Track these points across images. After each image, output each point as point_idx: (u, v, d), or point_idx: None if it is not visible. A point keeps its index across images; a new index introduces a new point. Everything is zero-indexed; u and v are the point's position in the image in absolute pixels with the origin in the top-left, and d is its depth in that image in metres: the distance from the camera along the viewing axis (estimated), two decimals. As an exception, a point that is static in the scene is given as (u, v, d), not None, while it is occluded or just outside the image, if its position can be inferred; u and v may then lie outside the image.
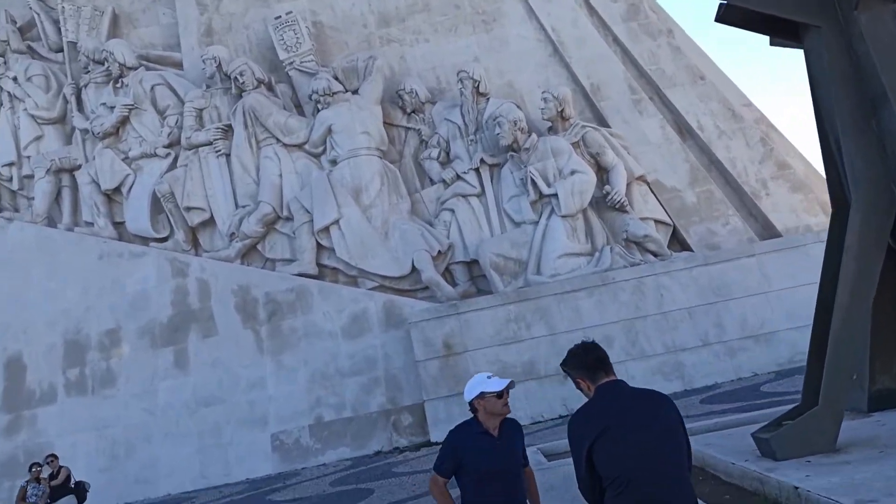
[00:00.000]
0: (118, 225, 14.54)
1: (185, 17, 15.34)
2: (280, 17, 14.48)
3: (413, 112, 14.10)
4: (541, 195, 12.48)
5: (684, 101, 13.45)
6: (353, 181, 13.27)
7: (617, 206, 12.51)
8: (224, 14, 15.32)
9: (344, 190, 13.20)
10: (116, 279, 13.74)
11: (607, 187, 12.57)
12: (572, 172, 12.37)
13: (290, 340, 12.74)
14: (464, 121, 13.55)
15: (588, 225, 12.50)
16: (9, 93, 15.24)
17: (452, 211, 13.26)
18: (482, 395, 3.37)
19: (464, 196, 13.28)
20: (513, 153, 12.88)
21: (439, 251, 12.90)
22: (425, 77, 14.40)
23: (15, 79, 15.23)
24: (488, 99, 13.55)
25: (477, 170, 13.27)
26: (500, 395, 3.36)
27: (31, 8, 15.79)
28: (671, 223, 12.85)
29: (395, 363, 12.22)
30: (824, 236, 11.51)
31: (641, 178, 13.01)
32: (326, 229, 13.10)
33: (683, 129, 13.45)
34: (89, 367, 13.30)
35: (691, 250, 12.61)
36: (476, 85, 13.43)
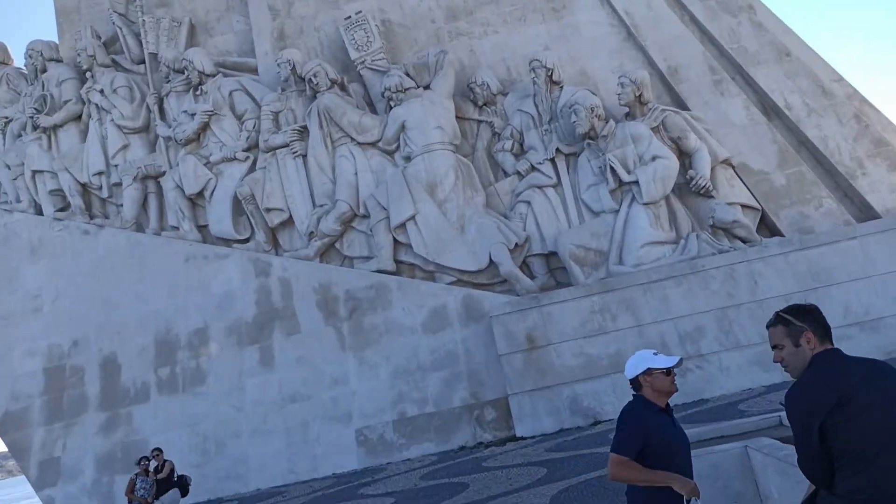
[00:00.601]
0: (202, 228, 14.81)
1: (259, 23, 15.49)
2: (350, 17, 14.44)
3: (485, 105, 13.81)
4: (621, 183, 12.00)
5: (769, 80, 12.69)
6: (428, 176, 13.09)
7: (702, 192, 11.90)
8: (295, 18, 15.40)
9: (419, 185, 13.04)
10: (203, 280, 14.00)
11: (691, 172, 11.97)
12: (653, 158, 11.84)
13: (372, 336, 12.67)
14: (537, 111, 13.17)
15: (672, 212, 11.94)
16: (96, 105, 15.71)
17: (528, 203, 12.91)
18: (649, 371, 3.24)
19: (539, 187, 12.91)
20: (590, 141, 12.44)
21: (516, 244, 12.59)
22: (496, 69, 14.09)
23: (102, 91, 15.69)
24: (562, 87, 13.14)
25: (552, 160, 12.88)
26: (668, 372, 3.24)
27: (114, 23, 16.25)
28: (759, 208, 12.14)
29: (476, 357, 11.98)
30: (934, 215, 10.73)
31: (726, 162, 12.35)
32: (403, 225, 12.98)
33: (769, 109, 12.69)
34: (179, 365, 13.60)
35: (782, 235, 11.87)
36: (549, 74, 13.03)
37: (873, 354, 9.87)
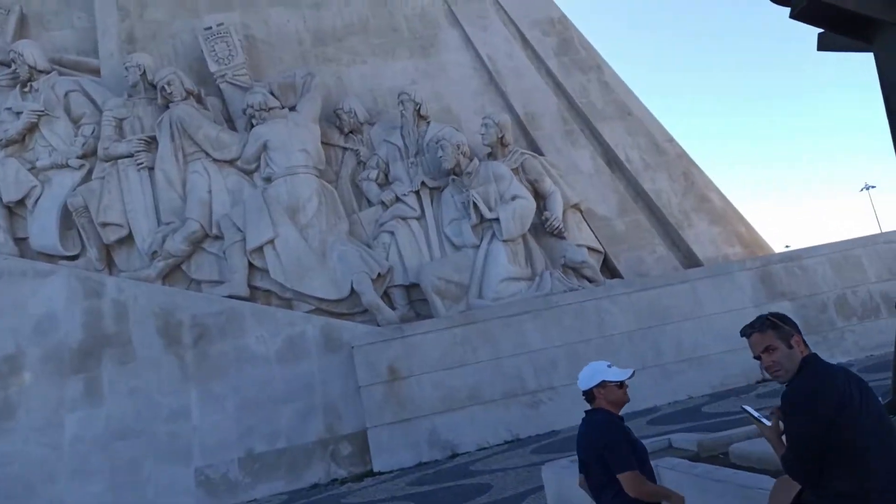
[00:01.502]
0: (21, 241, 12.79)
1: (105, 21, 13.97)
2: (211, 27, 13.48)
3: (351, 132, 13.47)
4: (482, 219, 12.17)
5: (613, 134, 13.66)
6: (290, 199, 12.40)
7: (555, 232, 12.41)
8: (148, 21, 14.10)
9: (280, 208, 12.30)
10: (18, 300, 12.00)
11: (546, 213, 12.45)
12: (514, 198, 12.16)
13: (219, 366, 11.56)
14: (404, 143, 13.07)
15: (528, 250, 12.30)
16: None
17: (392, 233, 12.67)
18: (604, 383, 3.30)
19: (403, 218, 12.75)
20: (454, 177, 12.52)
21: (379, 274, 12.25)
22: (363, 98, 13.83)
23: None
24: (429, 122, 13.17)
25: (417, 192, 12.80)
26: (621, 384, 3.31)
27: (-76, 3, 13.82)
28: (602, 251, 12.90)
29: (333, 389, 11.35)
30: (748, 265, 12.04)
31: (576, 207, 13.01)
32: (260, 249, 12.13)
33: (612, 161, 13.63)
34: (-18, 397, 11.46)
35: (621, 277, 12.69)
36: (417, 108, 13.02)
37: (702, 388, 10.76)
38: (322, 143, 13.12)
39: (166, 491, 10.83)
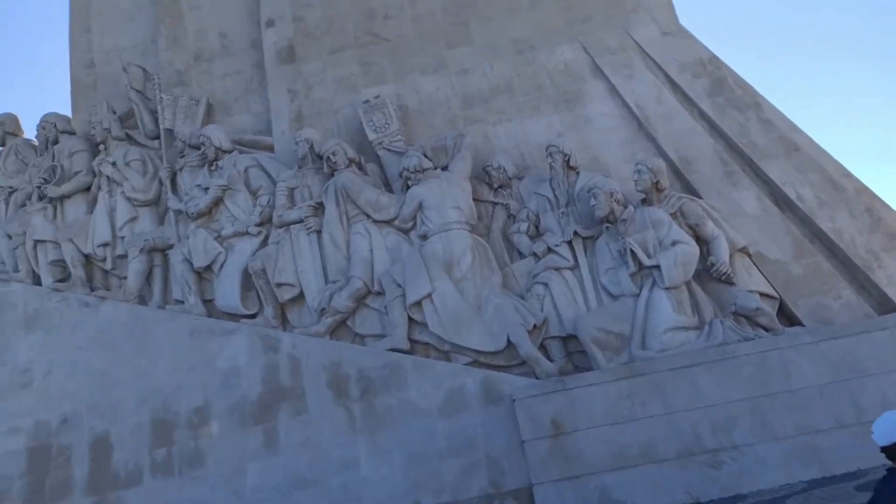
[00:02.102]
0: (208, 302, 14.06)
1: (278, 104, 15.39)
2: (368, 101, 14.41)
3: (500, 187, 13.63)
4: (641, 267, 11.68)
5: (780, 173, 12.74)
6: (445, 255, 12.68)
7: (723, 278, 11.63)
8: (314, 100, 15.33)
9: (436, 264, 12.59)
10: (207, 356, 13.12)
11: (711, 258, 11.73)
12: (674, 243, 11.59)
13: (385, 419, 11.80)
14: (554, 194, 13.01)
15: (693, 298, 11.58)
16: (108, 177, 15.23)
17: (545, 284, 12.48)
18: None
19: (557, 269, 12.54)
20: (608, 225, 12.21)
21: (534, 325, 12.06)
22: (510, 154, 14.01)
23: (114, 163, 15.25)
24: (578, 173, 13.06)
25: (569, 242, 12.59)
26: None
27: (130, 99, 16.02)
28: (778, 297, 11.85)
29: (496, 443, 11.15)
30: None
31: (743, 251, 12.15)
32: (419, 303, 12.42)
33: (781, 201, 12.66)
34: (177, 446, 12.48)
35: (801, 325, 11.54)
36: (566, 159, 12.97)
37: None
38: (473, 199, 13.38)
39: (338, 542, 11.03)
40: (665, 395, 10.30)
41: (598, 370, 11.00)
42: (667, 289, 11.36)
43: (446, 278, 12.49)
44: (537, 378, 11.59)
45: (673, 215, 12.06)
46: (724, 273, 11.58)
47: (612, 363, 11.25)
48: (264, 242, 14.03)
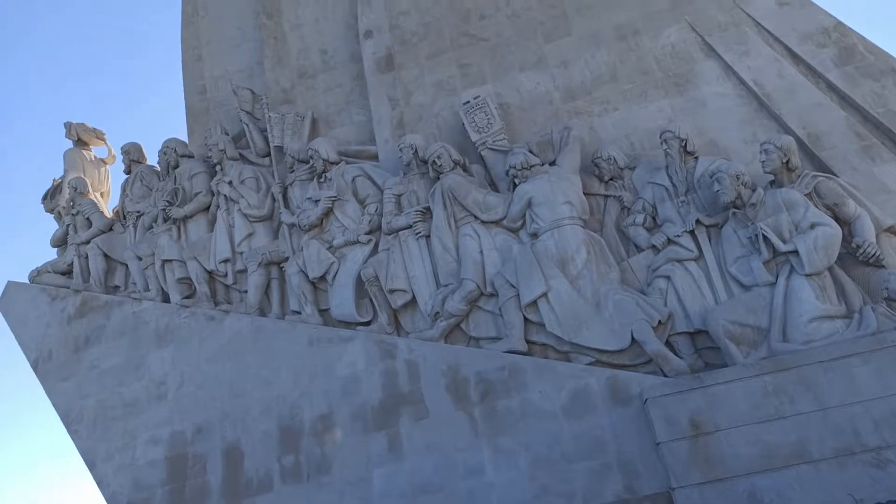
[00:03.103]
0: (323, 312, 14.35)
1: (379, 113, 15.57)
2: (469, 101, 14.27)
3: (611, 179, 13.10)
4: (775, 253, 10.82)
5: (927, 141, 11.49)
6: (559, 252, 12.29)
7: (871, 261, 10.58)
8: (414, 106, 15.39)
9: (550, 261, 12.23)
10: (327, 364, 13.35)
11: (856, 240, 10.70)
12: (812, 226, 10.66)
13: (507, 422, 11.54)
14: (672, 182, 12.34)
15: (838, 284, 10.59)
16: (225, 196, 15.91)
17: (667, 278, 11.83)
18: None
19: (679, 261, 11.85)
20: (735, 210, 11.41)
21: (659, 321, 11.43)
22: (618, 145, 13.45)
23: (230, 183, 15.92)
24: (697, 158, 12.33)
25: (692, 232, 11.87)
26: None
27: (241, 120, 16.71)
28: (936, 278, 10.63)
29: (627, 446, 10.62)
30: None
31: (890, 230, 11.04)
32: (534, 303, 12.09)
33: (932, 173, 11.42)
34: (304, 453, 12.75)
35: (968, 308, 10.29)
36: (683, 144, 12.28)
37: None
38: (584, 193, 12.93)
39: (468, 548, 10.84)
40: (817, 391, 9.43)
41: (737, 366, 10.25)
42: (807, 275, 10.44)
43: (561, 276, 12.10)
44: (665, 376, 10.97)
45: (808, 196, 11.12)
46: (873, 255, 10.54)
47: (749, 358, 10.45)
48: (375, 250, 14.18)
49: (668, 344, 11.46)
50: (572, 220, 12.47)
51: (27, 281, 17.65)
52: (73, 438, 14.81)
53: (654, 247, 12.16)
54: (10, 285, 17.54)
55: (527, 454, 11.15)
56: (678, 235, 11.89)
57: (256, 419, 13.40)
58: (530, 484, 10.94)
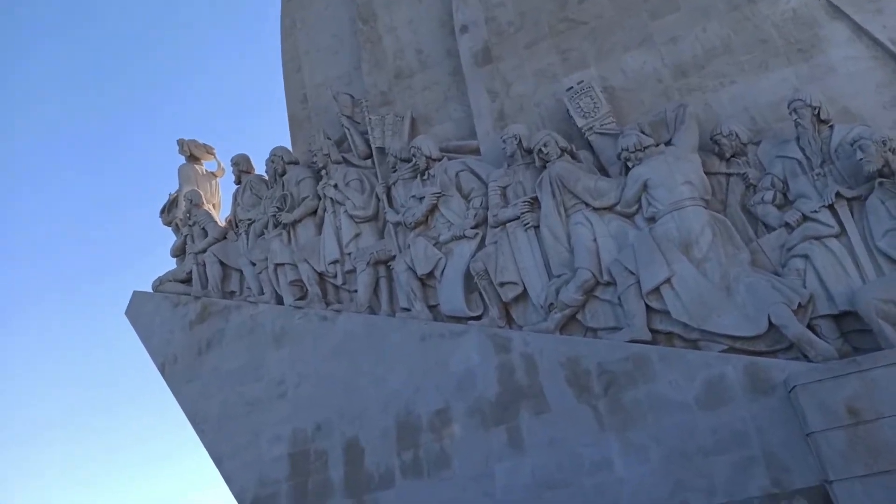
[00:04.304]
0: (432, 308, 14.29)
1: (478, 106, 15.42)
2: (572, 87, 13.86)
3: (733, 156, 12.32)
4: (934, 223, 9.77)
5: None
6: (681, 235, 11.63)
7: None
8: (514, 97, 15.14)
9: (671, 245, 11.60)
10: (440, 359, 13.26)
11: None
12: (977, 190, 9.55)
13: (635, 415, 10.99)
14: (804, 154, 11.43)
15: None
16: (331, 199, 16.22)
17: (805, 257, 10.93)
18: None
19: (817, 238, 10.93)
20: (882, 180, 10.41)
21: (798, 304, 10.57)
22: (737, 120, 12.63)
23: (335, 186, 16.23)
24: (832, 126, 11.38)
25: (830, 206, 10.93)
26: None
27: (342, 125, 17.02)
28: None
29: (772, 437, 9.84)
30: None
31: None
32: (657, 290, 11.49)
33: None
34: (423, 448, 12.69)
35: None
36: (815, 112, 11.37)
37: None
38: (704, 172, 12.21)
39: (601, 546, 10.37)
40: None
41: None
42: (973, 245, 9.34)
43: (685, 260, 11.45)
44: (810, 362, 10.10)
45: (971, 159, 9.98)
46: None
47: (908, 339, 9.45)
48: (482, 244, 13.98)
49: (809, 328, 10.58)
50: (693, 200, 11.79)
51: (150, 290, 18.67)
52: (200, 437, 15.46)
53: (787, 225, 11.30)
54: (136, 295, 18.60)
55: (658, 448, 10.56)
56: (815, 211, 10.98)
57: (374, 416, 13.48)
58: (664, 479, 10.34)
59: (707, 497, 9.93)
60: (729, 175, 12.33)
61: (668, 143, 12.50)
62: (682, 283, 11.33)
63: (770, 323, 10.56)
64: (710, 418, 10.34)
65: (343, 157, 16.91)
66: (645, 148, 12.37)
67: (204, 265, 17.78)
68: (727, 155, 12.33)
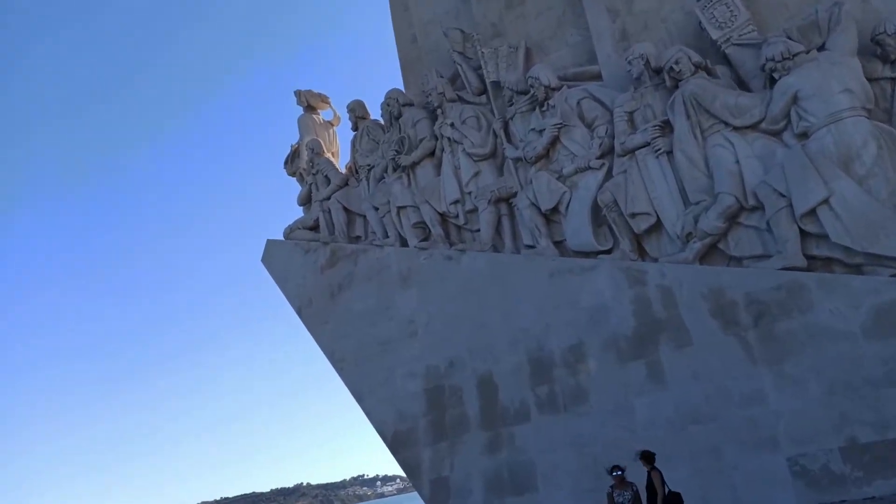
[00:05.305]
0: (558, 244, 13.92)
1: (598, 28, 14.46)
2: (704, -3, 12.59)
3: (900, 58, 10.82)
4: None
5: None
6: (839, 150, 10.49)
7: None
8: (637, 14, 14.04)
9: (828, 162, 10.49)
10: (570, 295, 12.97)
11: None
12: None
13: (789, 346, 10.26)
14: None
15: None
16: (448, 138, 15.98)
17: None
18: None
19: None
20: None
21: None
22: (901, 16, 11.01)
23: (452, 125, 15.94)
24: None
25: None
26: None
27: (454, 61, 16.55)
28: None
29: (956, 368, 8.86)
30: None
31: None
32: (812, 212, 10.50)
33: None
34: (557, 384, 12.60)
35: None
36: None
37: None
38: (865, 78, 10.84)
39: (756, 479, 9.97)
40: None
41: None
42: None
43: (846, 177, 10.33)
44: None
45: None
46: None
47: None
48: (609, 174, 13.33)
49: None
50: (854, 110, 10.54)
51: (282, 238, 19.49)
52: (340, 375, 16.21)
53: (973, 132, 9.86)
54: (270, 243, 19.48)
55: (819, 380, 9.84)
56: None
57: (504, 352, 13.51)
58: (826, 412, 9.66)
59: (879, 431, 9.19)
60: (893, 80, 10.88)
61: (820, 49, 11.16)
62: (843, 202, 10.26)
63: (952, 242, 9.39)
64: (879, 348, 9.47)
65: (458, 94, 16.52)
66: (794, 55, 11.12)
67: (329, 212, 18.25)
68: (892, 57, 10.87)
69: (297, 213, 19.57)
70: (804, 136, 10.96)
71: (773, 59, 11.24)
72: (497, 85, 15.59)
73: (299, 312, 17.70)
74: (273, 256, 19.00)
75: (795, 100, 11.04)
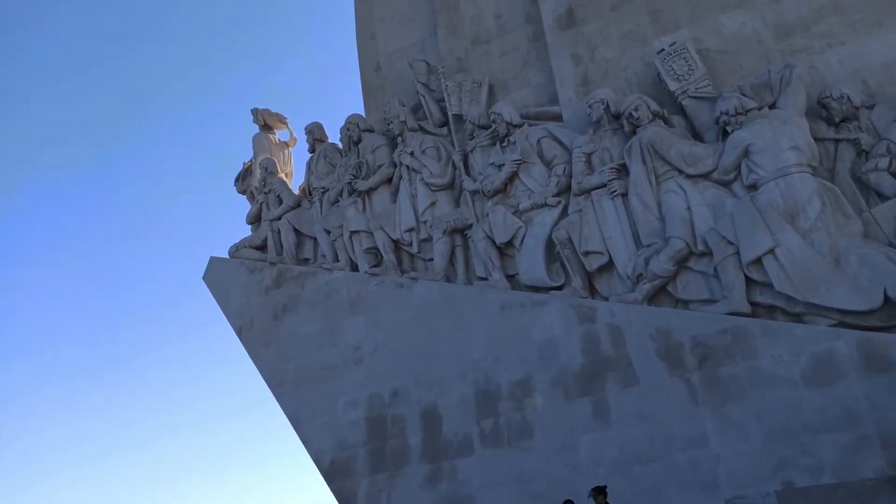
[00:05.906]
0: (510, 278, 13.92)
1: (561, 71, 14.83)
2: (664, 49, 13.14)
3: (843, 121, 11.45)
4: None
5: None
6: (786, 203, 10.92)
7: None
8: (599, 61, 14.48)
9: (775, 214, 10.89)
10: (521, 329, 12.91)
11: None
12: None
13: (732, 390, 10.44)
14: (928, 117, 10.53)
15: None
16: (407, 166, 15.93)
17: (925, 228, 10.10)
18: None
19: (941, 208, 10.08)
20: None
21: (919, 277, 9.77)
22: (848, 83, 11.71)
23: (412, 153, 15.93)
24: (960, 87, 10.43)
25: (957, 174, 10.05)
26: None
27: (417, 92, 16.65)
28: None
29: (888, 417, 9.17)
30: None
31: None
32: (758, 261, 10.83)
33: None
34: (503, 417, 12.42)
35: None
36: (943, 71, 10.43)
37: None
38: (811, 138, 11.41)
39: (695, 523, 9.92)
40: None
41: None
42: None
43: (791, 230, 10.74)
44: (932, 340, 9.35)
45: None
46: None
47: None
48: (564, 213, 13.49)
49: (928, 304, 9.79)
50: (800, 167, 11.04)
51: (227, 256, 18.84)
52: (278, 400, 15.57)
53: (905, 193, 10.44)
54: (213, 261, 18.79)
55: (760, 425, 10.00)
56: (939, 179, 10.11)
57: (451, 383, 13.27)
58: (766, 457, 9.80)
59: (814, 476, 9.36)
60: (838, 141, 11.49)
61: (772, 107, 11.72)
62: (788, 253, 10.64)
63: (886, 297, 9.82)
64: (817, 396, 9.72)
65: (419, 124, 16.57)
66: (747, 111, 11.62)
67: (279, 232, 17.80)
68: (836, 120, 11.48)
69: (242, 229, 19.02)
70: (753, 187, 11.38)
71: (727, 113, 11.70)
72: (459, 118, 15.71)
73: (239, 333, 17.03)
74: (215, 274, 18.31)
75: (746, 153, 11.49)
